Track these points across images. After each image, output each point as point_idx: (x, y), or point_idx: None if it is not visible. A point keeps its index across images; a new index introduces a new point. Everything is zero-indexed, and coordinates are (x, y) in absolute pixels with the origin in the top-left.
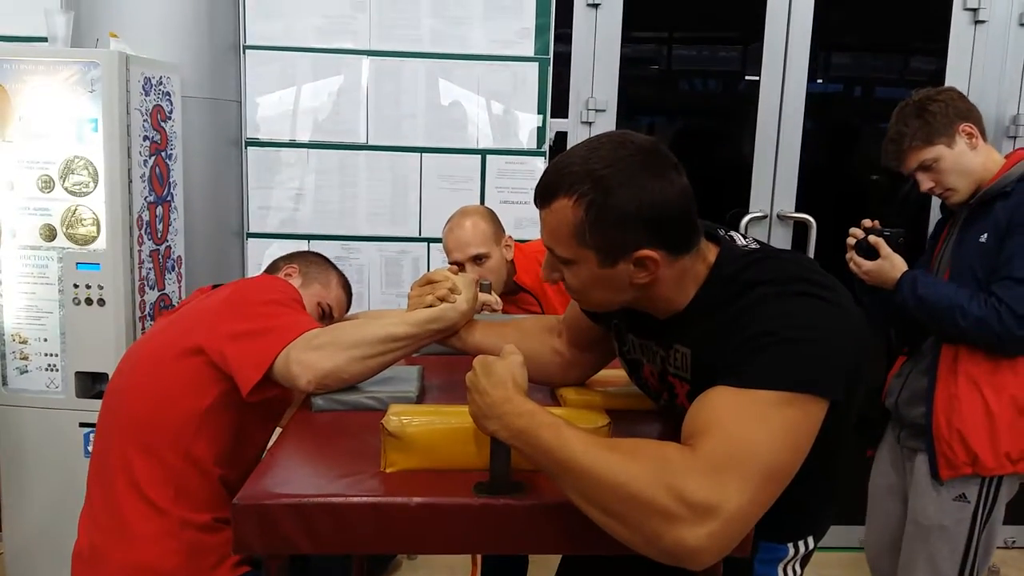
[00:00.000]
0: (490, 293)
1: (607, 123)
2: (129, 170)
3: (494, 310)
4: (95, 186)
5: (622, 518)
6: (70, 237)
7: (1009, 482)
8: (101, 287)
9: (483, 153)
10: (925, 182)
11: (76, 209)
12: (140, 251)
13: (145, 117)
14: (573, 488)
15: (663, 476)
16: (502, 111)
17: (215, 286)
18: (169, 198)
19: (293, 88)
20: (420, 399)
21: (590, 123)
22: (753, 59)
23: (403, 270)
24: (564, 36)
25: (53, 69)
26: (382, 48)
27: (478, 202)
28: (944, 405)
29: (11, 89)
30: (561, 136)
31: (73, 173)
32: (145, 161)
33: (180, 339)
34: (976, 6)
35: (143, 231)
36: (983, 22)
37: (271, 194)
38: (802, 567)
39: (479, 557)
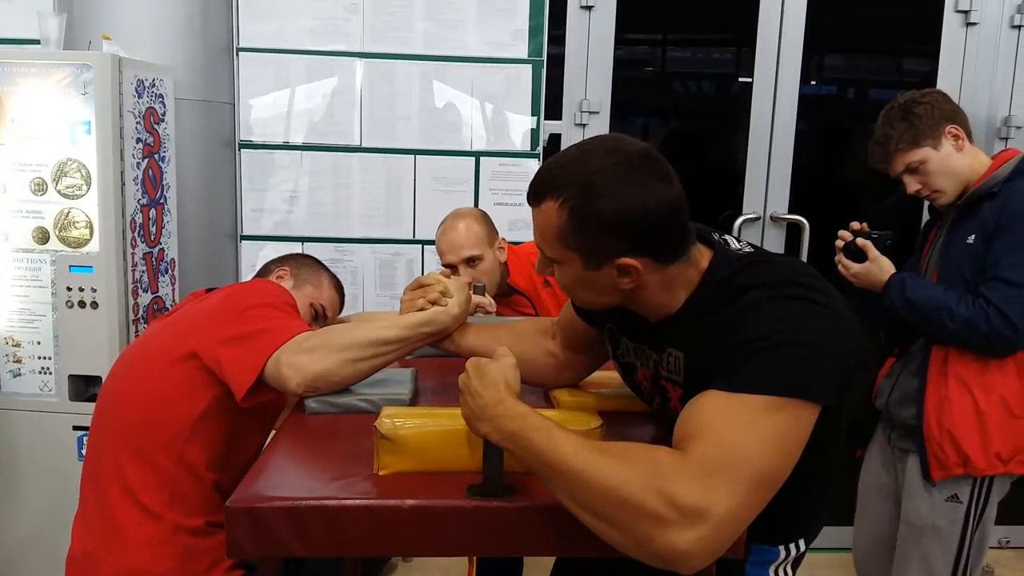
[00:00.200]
0: (484, 295)
1: (600, 125)
2: (122, 172)
3: (488, 312)
4: (88, 189)
5: (613, 521)
6: (63, 240)
7: (1000, 482)
8: (94, 290)
9: (477, 155)
10: (912, 184)
11: (69, 212)
12: (133, 254)
13: (138, 119)
14: (564, 491)
15: (653, 480)
16: (496, 113)
17: (208, 290)
18: (162, 200)
19: (287, 90)
20: (413, 401)
21: (583, 125)
22: (746, 61)
23: (397, 272)
24: (557, 38)
25: (46, 72)
26: (376, 50)
27: (472, 204)
28: (935, 406)
29: (3, 92)
30: (555, 138)
31: (66, 176)
32: (138, 163)
33: (173, 344)
34: (967, 8)
35: (136, 234)
36: (974, 24)
37: (265, 196)
38: (793, 569)
39: (475, 558)
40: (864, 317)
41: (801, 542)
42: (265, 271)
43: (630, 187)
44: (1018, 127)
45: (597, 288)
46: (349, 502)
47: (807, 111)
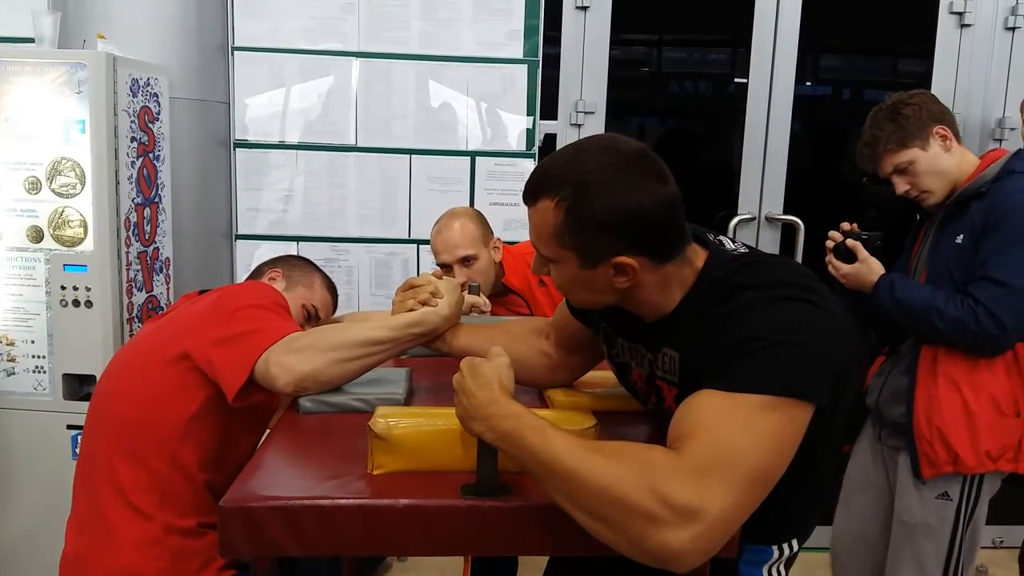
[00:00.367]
0: (478, 295)
1: (596, 125)
2: (116, 171)
3: (483, 312)
4: (82, 188)
5: (607, 520)
6: (57, 239)
7: (990, 479)
8: (88, 289)
9: (472, 155)
10: (900, 185)
11: (63, 211)
12: (128, 253)
13: (133, 118)
14: (558, 490)
15: (647, 479)
16: (491, 113)
17: (202, 292)
18: (157, 200)
19: (282, 89)
20: (408, 401)
21: (579, 125)
22: (741, 62)
23: (392, 272)
24: (553, 38)
25: (40, 70)
26: (371, 50)
27: (467, 204)
28: (924, 405)
29: None
30: (550, 138)
31: (60, 174)
32: (133, 162)
33: (166, 345)
34: (962, 10)
35: (131, 233)
36: (969, 26)
37: (260, 196)
38: (787, 569)
39: (471, 557)
40: (854, 316)
41: (794, 542)
42: (257, 273)
43: (626, 186)
44: (1012, 128)
45: (593, 287)
46: (343, 501)
47: (802, 112)
